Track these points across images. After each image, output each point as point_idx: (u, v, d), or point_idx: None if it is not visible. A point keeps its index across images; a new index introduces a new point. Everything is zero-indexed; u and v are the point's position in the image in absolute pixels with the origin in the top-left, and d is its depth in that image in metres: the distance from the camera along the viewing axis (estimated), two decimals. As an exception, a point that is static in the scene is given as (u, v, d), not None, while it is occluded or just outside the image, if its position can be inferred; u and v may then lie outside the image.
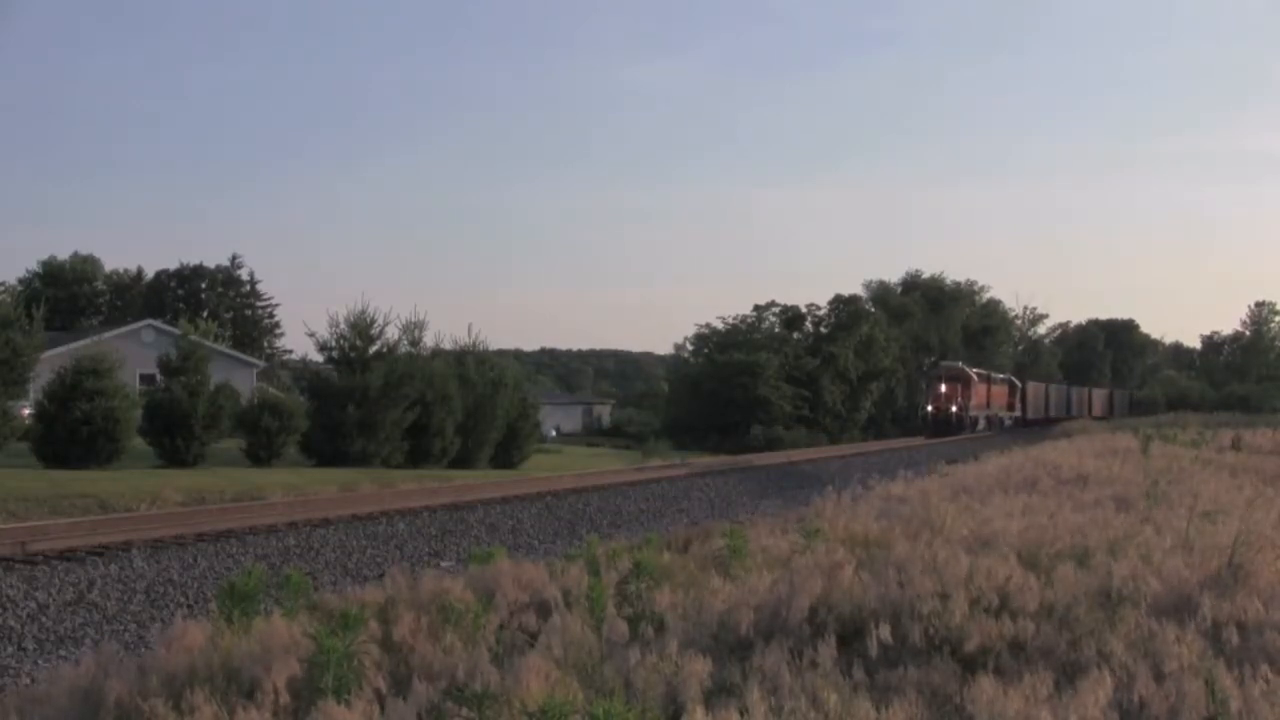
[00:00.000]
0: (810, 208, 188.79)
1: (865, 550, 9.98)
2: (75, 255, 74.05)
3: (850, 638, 7.09)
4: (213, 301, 71.61)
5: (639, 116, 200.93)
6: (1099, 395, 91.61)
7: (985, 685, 5.72)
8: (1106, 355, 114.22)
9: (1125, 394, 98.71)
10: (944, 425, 56.08)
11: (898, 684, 6.13)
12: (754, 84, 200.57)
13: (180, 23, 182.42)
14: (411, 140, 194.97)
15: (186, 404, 27.72)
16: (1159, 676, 6.07)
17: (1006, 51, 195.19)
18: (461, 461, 33.85)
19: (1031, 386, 75.71)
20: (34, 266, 72.17)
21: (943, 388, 57.98)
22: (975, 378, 60.23)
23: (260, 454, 29.48)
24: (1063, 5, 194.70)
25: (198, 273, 73.74)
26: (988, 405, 62.86)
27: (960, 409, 56.95)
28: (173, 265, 74.08)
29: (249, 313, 73.99)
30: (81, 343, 30.57)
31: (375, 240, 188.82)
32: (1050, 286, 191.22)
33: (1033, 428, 66.14)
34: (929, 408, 58.23)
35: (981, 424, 60.49)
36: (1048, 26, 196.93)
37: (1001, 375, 70.42)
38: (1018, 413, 70.58)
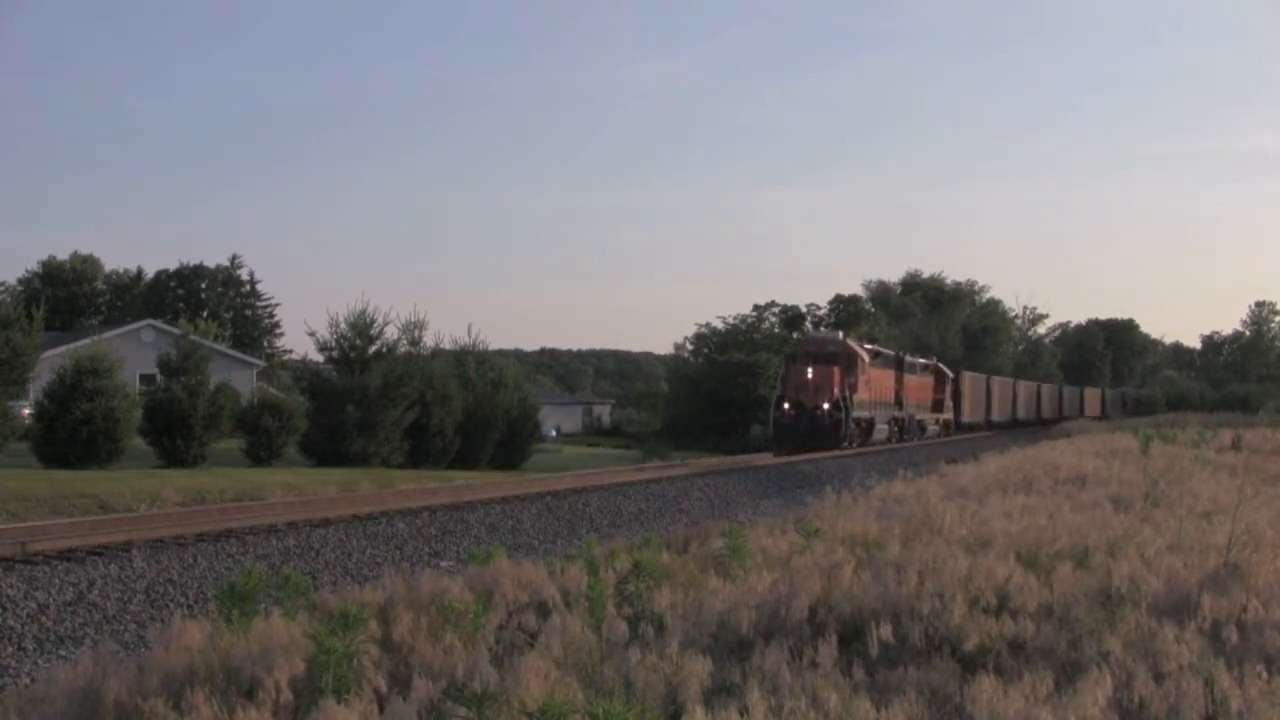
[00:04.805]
0: (810, 208, 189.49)
1: (865, 550, 9.98)
2: (75, 255, 74.28)
3: (850, 638, 7.10)
4: (213, 301, 71.76)
5: (639, 116, 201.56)
6: (1090, 395, 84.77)
7: (985, 685, 5.73)
8: (1106, 355, 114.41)
9: (1120, 393, 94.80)
10: (808, 431, 35.33)
11: (898, 684, 6.13)
12: (754, 83, 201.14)
13: (180, 22, 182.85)
14: (411, 140, 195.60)
15: (186, 404, 27.75)
16: (1158, 676, 6.07)
17: (1005, 51, 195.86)
18: (461, 461, 33.85)
19: (969, 379, 56.76)
20: (34, 266, 72.61)
21: (808, 372, 36.06)
22: (866, 357, 38.94)
23: (260, 454, 29.53)
24: (1063, 4, 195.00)
25: (198, 273, 73.92)
26: (897, 402, 42.88)
27: (836, 406, 35.48)
28: (173, 265, 74.48)
29: (249, 313, 74.13)
30: (81, 343, 30.53)
31: (375, 240, 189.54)
32: (1050, 286, 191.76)
33: (1005, 434, 52.56)
34: (784, 404, 36.36)
35: (881, 431, 40.36)
36: (1048, 26, 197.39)
37: (924, 361, 49.65)
38: (948, 414, 51.47)
